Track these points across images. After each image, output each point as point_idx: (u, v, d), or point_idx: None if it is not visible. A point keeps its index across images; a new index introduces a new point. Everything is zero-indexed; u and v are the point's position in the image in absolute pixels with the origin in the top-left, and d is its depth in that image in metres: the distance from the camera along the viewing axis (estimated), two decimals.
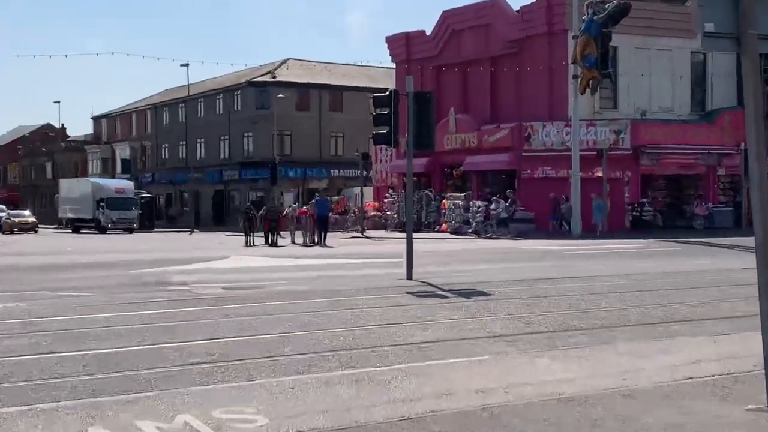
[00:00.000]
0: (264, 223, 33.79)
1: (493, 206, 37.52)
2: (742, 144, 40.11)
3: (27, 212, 60.77)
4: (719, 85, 42.94)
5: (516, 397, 6.64)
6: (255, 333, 9.96)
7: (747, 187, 39.85)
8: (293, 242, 34.01)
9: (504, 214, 37.05)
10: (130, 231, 52.77)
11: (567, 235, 35.84)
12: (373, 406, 6.39)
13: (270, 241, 32.90)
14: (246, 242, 32.73)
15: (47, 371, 7.78)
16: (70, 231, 56.97)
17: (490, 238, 35.92)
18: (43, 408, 6.40)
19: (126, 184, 59.04)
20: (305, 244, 32.38)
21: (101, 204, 54.07)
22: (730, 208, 41.27)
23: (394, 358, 8.30)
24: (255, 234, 33.50)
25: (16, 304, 13.01)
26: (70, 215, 59.43)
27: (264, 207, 35.90)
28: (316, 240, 32.85)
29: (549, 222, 39.07)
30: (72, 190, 60.70)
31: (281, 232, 34.67)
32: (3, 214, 58.48)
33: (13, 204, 76.54)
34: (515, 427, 5.82)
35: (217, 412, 6.19)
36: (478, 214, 38.28)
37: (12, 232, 52.68)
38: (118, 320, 11.06)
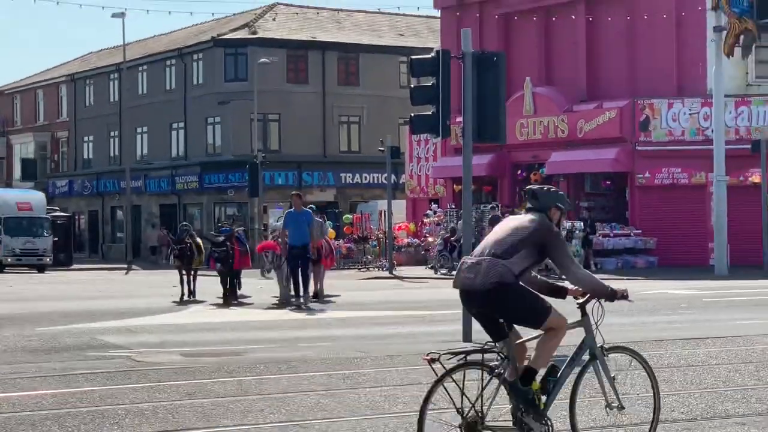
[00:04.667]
0: (209, 261, 28.43)
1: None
2: None
3: None
4: None
5: None
6: (236, 423, 10.01)
7: None
8: (283, 298, 26.36)
9: (453, 237, 40.41)
10: (41, 268, 52.04)
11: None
12: None
13: (228, 293, 26.87)
14: (181, 294, 27.49)
15: None
16: None
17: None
18: None
19: (34, 197, 58.14)
20: (279, 302, 26.01)
21: None
22: None
23: None
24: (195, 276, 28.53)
25: None
26: None
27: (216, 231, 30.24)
28: (291, 292, 25.30)
29: None
30: None
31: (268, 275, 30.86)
32: None
33: None
34: None
35: None
36: (439, 238, 42.44)
37: None
38: (19, 409, 11.11)
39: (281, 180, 60.98)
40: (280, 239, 26.63)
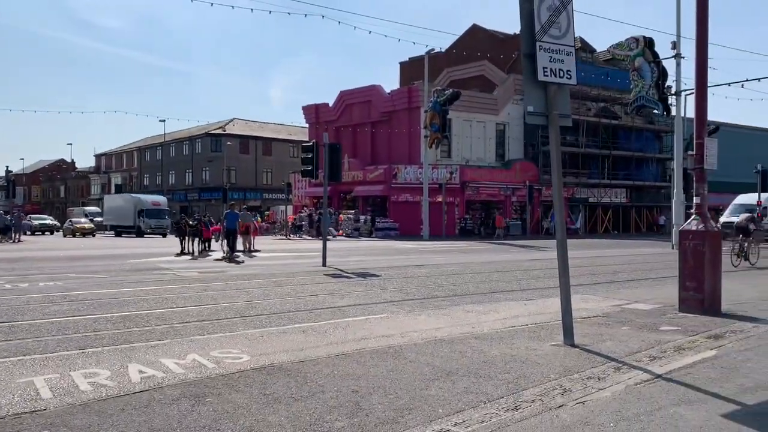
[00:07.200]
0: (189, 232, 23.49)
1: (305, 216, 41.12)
2: (527, 181, 42.10)
3: (84, 220, 49.84)
4: (513, 145, 44.92)
5: (408, 340, 6.77)
6: (228, 301, 9.72)
7: (529, 209, 41.67)
8: (225, 253, 21.38)
9: (302, 222, 40.53)
10: (164, 235, 44.37)
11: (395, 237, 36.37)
12: (317, 347, 6.39)
13: (201, 249, 23.19)
14: (180, 250, 22.90)
15: (90, 327, 7.41)
16: (113, 234, 48.69)
17: (301, 238, 37.67)
18: (94, 350, 6.13)
19: (161, 199, 50.39)
20: (223, 255, 20.81)
21: (141, 214, 46.24)
22: (519, 222, 43.15)
23: (326, 316, 8.29)
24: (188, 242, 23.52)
25: (54, 282, 12.24)
26: (112, 223, 50.38)
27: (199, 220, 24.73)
28: (224, 253, 20.93)
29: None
30: (115, 203, 51.25)
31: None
32: (53, 222, 53.03)
33: (36, 214, 69.81)
34: (411, 358, 5.94)
35: (214, 353, 6.09)
36: (301, 222, 41.34)
37: (74, 236, 44.84)
38: (130, 294, 10.58)
39: (237, 196, 59.10)
40: (221, 225, 24.56)
